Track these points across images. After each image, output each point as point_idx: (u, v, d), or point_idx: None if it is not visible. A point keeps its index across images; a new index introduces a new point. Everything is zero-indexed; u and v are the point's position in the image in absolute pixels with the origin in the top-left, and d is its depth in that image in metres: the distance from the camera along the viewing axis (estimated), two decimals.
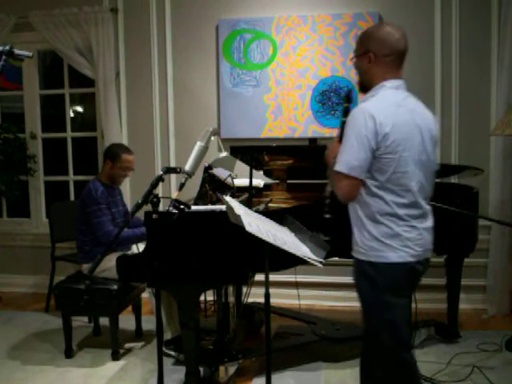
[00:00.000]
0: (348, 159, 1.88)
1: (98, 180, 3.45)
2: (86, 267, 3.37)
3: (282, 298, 4.06)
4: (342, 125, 2.02)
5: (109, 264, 3.09)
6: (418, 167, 1.92)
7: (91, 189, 3.35)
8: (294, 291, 3.79)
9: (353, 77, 4.17)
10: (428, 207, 2.01)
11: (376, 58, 1.97)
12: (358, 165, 1.87)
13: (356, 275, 2.02)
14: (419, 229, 1.94)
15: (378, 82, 1.97)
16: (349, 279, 4.27)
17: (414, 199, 1.92)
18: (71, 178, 4.85)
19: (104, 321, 3.59)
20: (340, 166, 1.90)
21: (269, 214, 2.52)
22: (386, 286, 1.93)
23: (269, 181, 3.59)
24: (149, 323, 3.73)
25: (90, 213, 3.31)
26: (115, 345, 3.31)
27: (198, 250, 2.58)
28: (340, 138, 2.02)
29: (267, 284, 2.05)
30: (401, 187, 1.90)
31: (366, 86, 2.04)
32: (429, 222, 2.01)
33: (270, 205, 3.33)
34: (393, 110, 1.90)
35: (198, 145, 2.84)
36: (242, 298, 3.50)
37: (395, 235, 1.90)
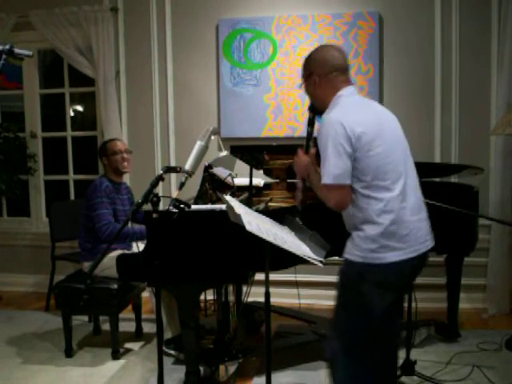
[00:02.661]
0: (330, 170, 1.91)
1: (104, 177, 3.49)
2: (86, 265, 3.37)
3: (282, 298, 4.05)
4: (309, 136, 2.15)
5: (109, 263, 3.09)
6: (397, 157, 1.97)
7: (96, 183, 3.38)
8: (294, 290, 3.79)
9: (353, 77, 4.18)
10: (421, 197, 2.04)
11: (321, 78, 2.04)
12: (340, 172, 1.90)
13: (343, 274, 2.02)
14: (414, 222, 1.95)
15: (331, 98, 2.04)
16: None
17: (403, 189, 1.94)
18: (71, 177, 4.85)
19: (104, 320, 3.60)
20: (325, 179, 1.93)
21: (269, 213, 2.52)
22: (377, 283, 1.94)
23: (269, 180, 3.59)
24: (149, 322, 3.74)
25: (91, 206, 3.32)
26: (115, 344, 3.31)
27: (199, 249, 2.58)
28: (306, 149, 2.13)
29: (267, 283, 2.05)
30: (388, 181, 1.92)
31: (320, 108, 2.10)
32: (422, 214, 2.02)
33: (269, 204, 3.32)
34: (358, 111, 1.99)
35: (198, 144, 2.84)
36: (242, 297, 3.50)
37: (392, 234, 1.91)
